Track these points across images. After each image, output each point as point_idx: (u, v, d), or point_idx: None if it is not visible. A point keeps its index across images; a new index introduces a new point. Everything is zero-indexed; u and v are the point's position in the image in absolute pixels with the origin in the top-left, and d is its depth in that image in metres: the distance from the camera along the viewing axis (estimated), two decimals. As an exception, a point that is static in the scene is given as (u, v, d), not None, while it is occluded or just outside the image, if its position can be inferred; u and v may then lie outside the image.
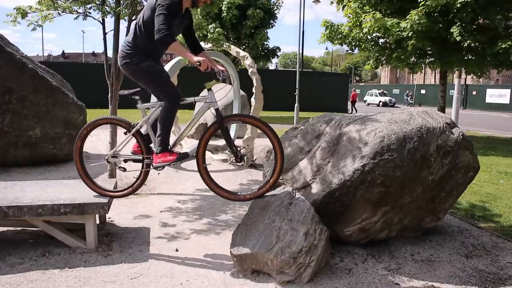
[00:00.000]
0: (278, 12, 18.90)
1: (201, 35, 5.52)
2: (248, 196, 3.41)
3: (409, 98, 37.94)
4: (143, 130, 3.48)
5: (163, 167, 3.39)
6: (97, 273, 3.04)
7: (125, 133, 3.46)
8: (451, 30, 9.96)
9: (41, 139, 6.33)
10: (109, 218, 4.22)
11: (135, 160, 3.50)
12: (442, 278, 3.11)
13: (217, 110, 3.37)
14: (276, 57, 20.10)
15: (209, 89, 3.43)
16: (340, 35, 11.82)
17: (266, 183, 3.39)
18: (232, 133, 8.57)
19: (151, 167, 3.43)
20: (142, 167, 3.49)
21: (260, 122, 3.36)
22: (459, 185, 3.77)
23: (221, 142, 8.62)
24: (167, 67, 6.94)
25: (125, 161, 3.57)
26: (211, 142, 8.38)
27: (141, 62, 3.27)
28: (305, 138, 3.88)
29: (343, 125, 3.69)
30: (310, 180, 3.53)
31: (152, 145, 3.46)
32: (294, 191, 3.40)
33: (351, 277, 3.06)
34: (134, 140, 3.51)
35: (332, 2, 12.54)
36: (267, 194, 3.39)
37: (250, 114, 6.87)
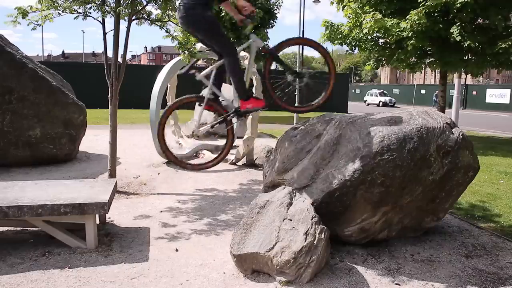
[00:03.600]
0: (278, 12, 18.91)
1: (201, 35, 5.51)
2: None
3: (438, 100, 37.10)
4: (209, 94, 3.72)
5: (250, 112, 3.70)
6: (97, 273, 3.04)
7: (199, 105, 3.75)
8: (451, 30, 9.96)
9: (41, 139, 6.33)
10: (109, 218, 4.22)
11: (220, 122, 3.79)
12: (442, 278, 3.11)
13: (263, 47, 3.84)
14: (276, 57, 20.10)
15: (249, 34, 3.78)
16: (340, 35, 11.82)
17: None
18: (232, 133, 8.58)
19: (236, 117, 3.73)
20: (227, 126, 3.80)
21: (314, 43, 3.82)
22: (459, 185, 3.77)
23: (221, 142, 8.62)
24: (167, 67, 6.94)
25: (213, 126, 3.88)
26: (210, 142, 8.39)
27: (204, 12, 3.41)
28: (305, 138, 3.88)
29: (343, 125, 3.69)
30: (310, 180, 3.53)
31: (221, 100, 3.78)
32: (294, 191, 3.40)
33: (351, 277, 3.06)
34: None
35: (332, 3, 12.54)
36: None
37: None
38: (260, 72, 3.81)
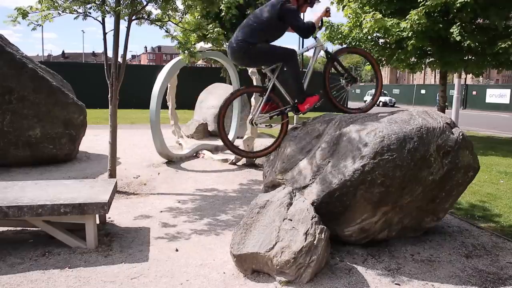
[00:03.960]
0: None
1: (200, 34, 5.51)
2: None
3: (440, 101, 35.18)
4: (270, 86, 3.98)
5: (309, 109, 3.97)
6: (97, 273, 3.04)
7: (260, 96, 4.02)
8: (451, 30, 9.96)
9: (41, 139, 6.33)
10: (109, 218, 4.22)
11: (278, 114, 4.03)
12: (442, 278, 3.11)
13: (326, 50, 4.12)
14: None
15: (315, 37, 4.09)
16: (340, 35, 11.82)
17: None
18: (232, 133, 8.58)
19: (298, 114, 4.08)
20: (283, 119, 4.04)
21: (365, 53, 4.48)
22: (459, 185, 3.77)
23: (221, 142, 8.62)
24: (167, 67, 6.93)
25: (271, 117, 4.07)
26: (210, 142, 8.39)
27: (258, 48, 3.80)
28: (305, 138, 3.88)
29: (343, 125, 3.69)
30: (310, 180, 3.53)
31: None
32: (294, 191, 3.40)
33: (351, 277, 3.06)
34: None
35: (332, 3, 12.54)
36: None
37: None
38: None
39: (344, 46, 4.40)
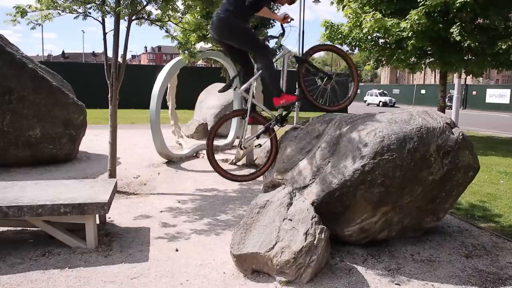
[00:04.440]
0: (278, 12, 18.90)
1: (201, 34, 5.52)
2: None
3: (447, 100, 32.28)
4: (249, 107, 3.92)
5: (287, 106, 3.86)
6: (97, 273, 3.04)
7: (242, 119, 3.94)
8: (451, 30, 9.96)
9: (41, 139, 6.33)
10: (109, 218, 4.22)
11: (263, 132, 3.99)
12: (442, 278, 3.11)
13: (294, 56, 4.08)
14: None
15: (280, 46, 4.04)
16: (340, 35, 11.81)
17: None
18: (232, 133, 8.58)
19: (278, 124, 3.95)
20: (270, 135, 3.94)
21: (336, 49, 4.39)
22: (459, 185, 3.77)
23: (221, 142, 8.62)
24: (167, 67, 6.94)
25: (258, 137, 4.03)
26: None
27: (244, 23, 3.77)
28: (305, 138, 3.88)
29: (343, 125, 3.69)
30: (310, 180, 3.53)
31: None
32: (294, 191, 3.40)
33: (351, 277, 3.06)
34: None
35: (332, 3, 12.54)
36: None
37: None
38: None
39: (313, 45, 4.35)
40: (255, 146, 4.11)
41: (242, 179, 4.03)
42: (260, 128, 4.07)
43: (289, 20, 3.90)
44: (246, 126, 3.96)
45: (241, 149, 4.08)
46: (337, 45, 4.58)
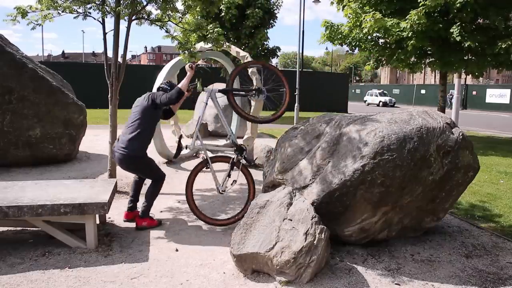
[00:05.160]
0: (278, 12, 18.89)
1: (200, 35, 5.51)
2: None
3: (449, 100, 27.14)
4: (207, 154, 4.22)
5: (146, 229, 3.99)
6: (97, 273, 3.04)
7: (207, 168, 4.21)
8: (451, 30, 9.96)
9: (41, 139, 6.32)
10: (109, 218, 4.22)
11: (231, 168, 4.23)
12: (442, 278, 3.11)
13: (219, 90, 4.31)
14: (276, 57, 20.06)
15: (202, 89, 4.28)
16: (340, 35, 11.81)
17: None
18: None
19: (238, 155, 4.18)
20: (238, 167, 4.20)
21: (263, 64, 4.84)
22: (459, 185, 3.77)
23: (221, 142, 8.62)
24: (167, 67, 6.93)
25: (229, 175, 4.23)
26: (210, 142, 8.39)
27: (144, 156, 4.05)
28: (305, 138, 3.88)
29: (343, 125, 3.69)
30: (310, 180, 3.53)
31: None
32: (294, 191, 3.40)
33: (351, 277, 3.06)
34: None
35: (332, 3, 12.53)
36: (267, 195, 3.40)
37: (251, 112, 6.89)
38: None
39: (236, 67, 4.73)
40: (231, 184, 4.22)
41: (222, 223, 4.13)
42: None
43: (193, 66, 4.13)
44: (214, 173, 4.18)
45: (221, 193, 4.26)
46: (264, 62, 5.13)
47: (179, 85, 4.00)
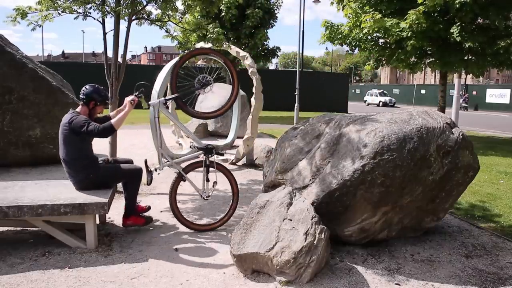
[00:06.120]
0: (278, 12, 18.89)
1: (200, 34, 5.51)
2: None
3: (462, 101, 27.31)
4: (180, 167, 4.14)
5: (134, 226, 3.93)
6: (97, 273, 3.04)
7: (184, 181, 4.15)
8: (451, 30, 9.95)
9: (41, 139, 6.32)
10: (109, 218, 4.22)
11: (208, 172, 4.14)
12: (442, 278, 3.11)
13: (160, 102, 4.17)
14: (276, 57, 20.06)
15: (148, 105, 4.19)
16: (340, 36, 11.81)
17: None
18: (232, 133, 8.57)
19: (207, 155, 4.09)
20: (214, 166, 4.11)
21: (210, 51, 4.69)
22: (459, 185, 3.77)
23: (221, 142, 8.62)
24: (167, 67, 6.93)
25: (207, 179, 4.17)
26: (210, 142, 8.38)
27: (98, 171, 3.73)
28: (305, 138, 3.88)
29: (343, 125, 3.69)
30: (310, 180, 3.53)
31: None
32: (294, 191, 3.40)
33: (351, 277, 3.06)
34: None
35: (332, 3, 12.52)
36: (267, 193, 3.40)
37: (250, 115, 6.88)
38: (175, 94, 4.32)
39: (180, 56, 4.65)
40: (212, 187, 4.22)
41: (205, 228, 4.04)
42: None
43: (134, 103, 3.95)
44: (192, 182, 4.13)
45: (205, 199, 4.21)
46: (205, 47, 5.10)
47: (113, 122, 3.63)
